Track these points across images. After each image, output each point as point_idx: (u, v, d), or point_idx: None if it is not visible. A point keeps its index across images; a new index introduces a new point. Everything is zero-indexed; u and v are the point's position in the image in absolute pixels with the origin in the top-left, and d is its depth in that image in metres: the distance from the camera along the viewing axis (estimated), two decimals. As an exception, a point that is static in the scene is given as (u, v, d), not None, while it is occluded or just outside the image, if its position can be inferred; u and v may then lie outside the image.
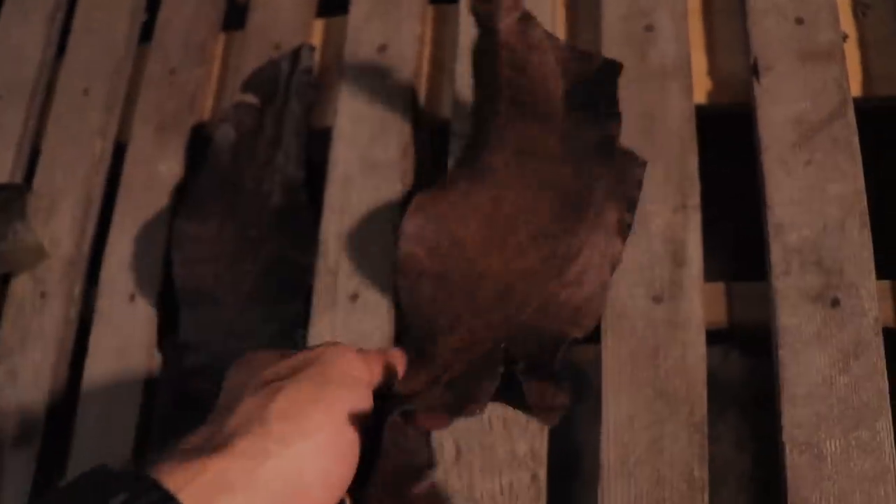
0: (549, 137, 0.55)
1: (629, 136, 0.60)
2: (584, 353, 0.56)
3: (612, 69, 0.55)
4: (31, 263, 0.74)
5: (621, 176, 0.54)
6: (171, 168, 0.73)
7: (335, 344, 0.43)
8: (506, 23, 0.55)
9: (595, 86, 0.56)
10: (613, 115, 0.55)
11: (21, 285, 0.73)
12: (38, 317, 0.71)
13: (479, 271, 0.53)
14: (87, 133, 0.78)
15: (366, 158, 0.65)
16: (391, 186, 0.65)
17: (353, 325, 0.60)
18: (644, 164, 0.54)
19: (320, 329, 0.61)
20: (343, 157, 0.66)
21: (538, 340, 0.49)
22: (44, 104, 0.82)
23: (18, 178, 0.79)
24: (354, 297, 0.61)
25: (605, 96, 0.55)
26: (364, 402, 0.39)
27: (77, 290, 0.72)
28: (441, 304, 0.52)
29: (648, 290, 0.56)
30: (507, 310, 0.51)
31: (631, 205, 0.53)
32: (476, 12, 0.55)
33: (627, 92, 0.61)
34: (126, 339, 0.68)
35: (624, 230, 0.53)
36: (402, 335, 0.54)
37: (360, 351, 0.43)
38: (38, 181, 0.78)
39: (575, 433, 0.61)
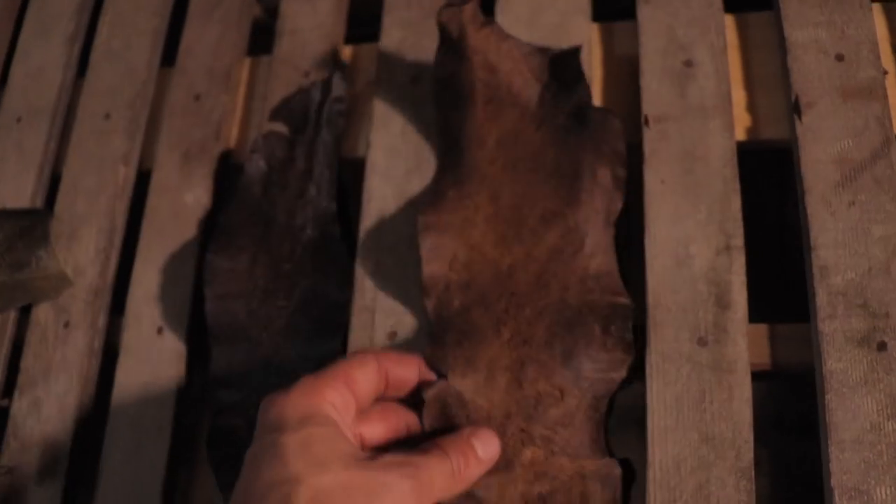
0: (527, 125, 0.59)
1: (671, 176, 0.59)
2: (627, 395, 0.55)
3: (573, 51, 0.60)
4: (55, 292, 0.72)
5: (601, 134, 0.58)
6: (197, 197, 0.71)
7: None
8: (472, 28, 0.59)
9: (559, 65, 0.61)
10: (580, 82, 0.60)
11: (43, 314, 0.72)
12: (62, 347, 0.70)
13: (506, 267, 0.55)
14: (109, 159, 0.76)
15: (401, 193, 0.64)
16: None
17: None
18: (617, 115, 0.59)
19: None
20: (378, 192, 0.65)
21: (597, 316, 0.53)
22: (64, 128, 0.81)
23: (39, 203, 0.78)
24: (393, 335, 0.60)
25: (570, 70, 0.60)
26: None
27: (101, 320, 0.71)
28: (475, 311, 0.54)
29: (693, 334, 0.55)
30: (551, 292, 0.53)
31: (619, 157, 0.57)
32: (442, 23, 0.59)
33: (668, 129, 0.61)
34: (154, 373, 0.67)
35: (620, 185, 0.57)
36: (430, 350, 0.55)
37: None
38: (59, 207, 0.76)
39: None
